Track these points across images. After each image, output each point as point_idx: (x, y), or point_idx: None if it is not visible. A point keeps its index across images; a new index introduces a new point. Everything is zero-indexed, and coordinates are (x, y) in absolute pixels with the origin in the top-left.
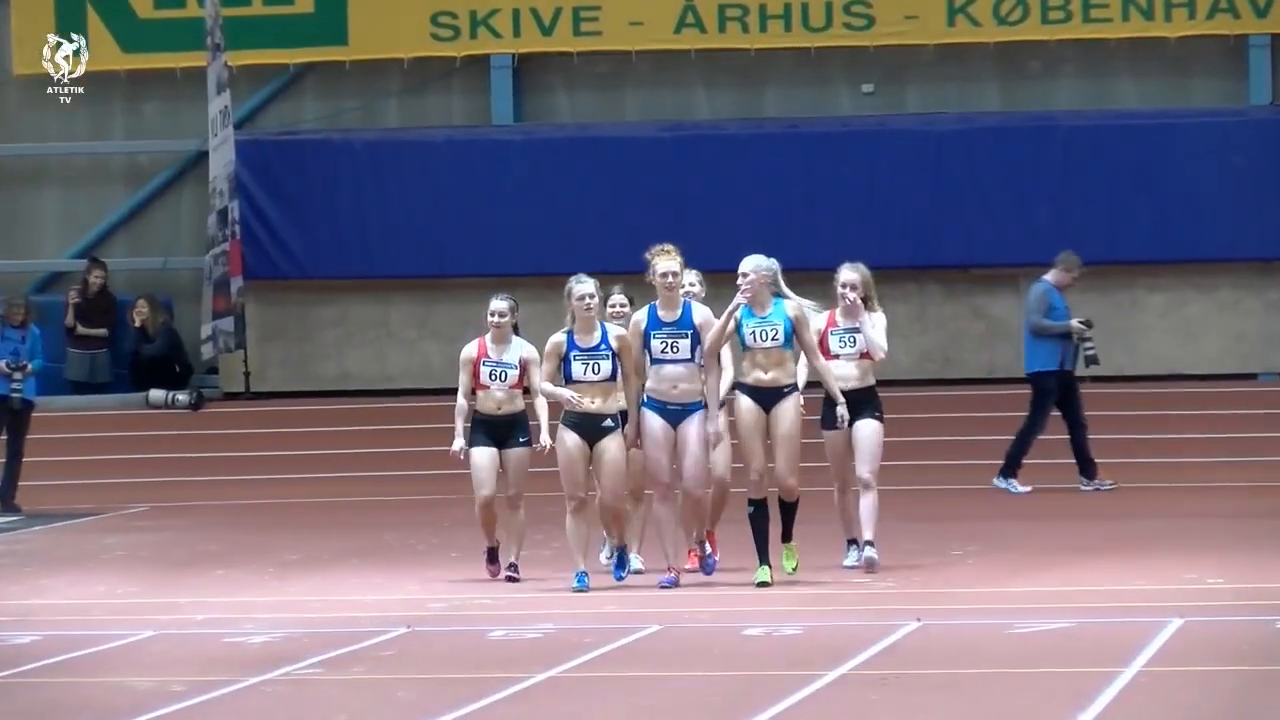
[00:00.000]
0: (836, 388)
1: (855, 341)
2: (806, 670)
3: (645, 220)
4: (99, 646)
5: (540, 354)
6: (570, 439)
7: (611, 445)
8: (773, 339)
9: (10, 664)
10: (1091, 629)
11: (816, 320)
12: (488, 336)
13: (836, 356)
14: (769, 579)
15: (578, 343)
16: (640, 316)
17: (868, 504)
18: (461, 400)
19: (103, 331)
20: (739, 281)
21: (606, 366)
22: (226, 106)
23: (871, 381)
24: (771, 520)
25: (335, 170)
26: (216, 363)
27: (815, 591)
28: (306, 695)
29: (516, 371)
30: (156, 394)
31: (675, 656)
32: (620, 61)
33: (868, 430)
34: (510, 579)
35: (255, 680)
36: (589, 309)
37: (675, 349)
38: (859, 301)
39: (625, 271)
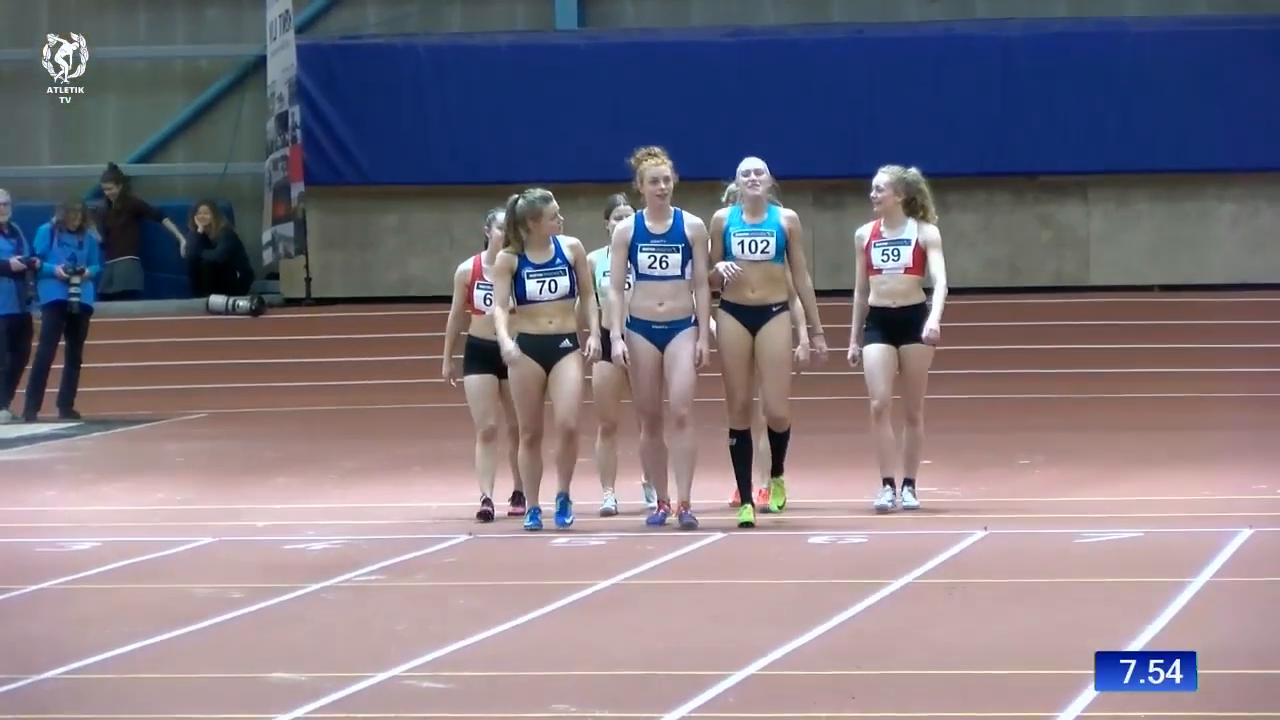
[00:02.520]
0: (816, 315)
1: (899, 254)
2: (871, 579)
3: (709, 127)
4: (158, 553)
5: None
6: (526, 365)
7: (569, 365)
8: (763, 251)
9: (70, 570)
10: (1160, 539)
11: (862, 231)
12: (484, 255)
13: (879, 271)
14: (752, 519)
15: (531, 259)
16: (626, 225)
17: (911, 441)
18: (452, 323)
19: (131, 258)
20: (742, 182)
21: (564, 283)
22: (287, 10)
23: (920, 299)
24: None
25: (397, 76)
26: (277, 268)
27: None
28: (367, 603)
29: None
30: (217, 300)
31: (739, 565)
32: None
33: (916, 358)
34: (514, 513)
35: (315, 587)
36: (559, 226)
37: (665, 264)
38: (894, 204)
39: (688, 178)
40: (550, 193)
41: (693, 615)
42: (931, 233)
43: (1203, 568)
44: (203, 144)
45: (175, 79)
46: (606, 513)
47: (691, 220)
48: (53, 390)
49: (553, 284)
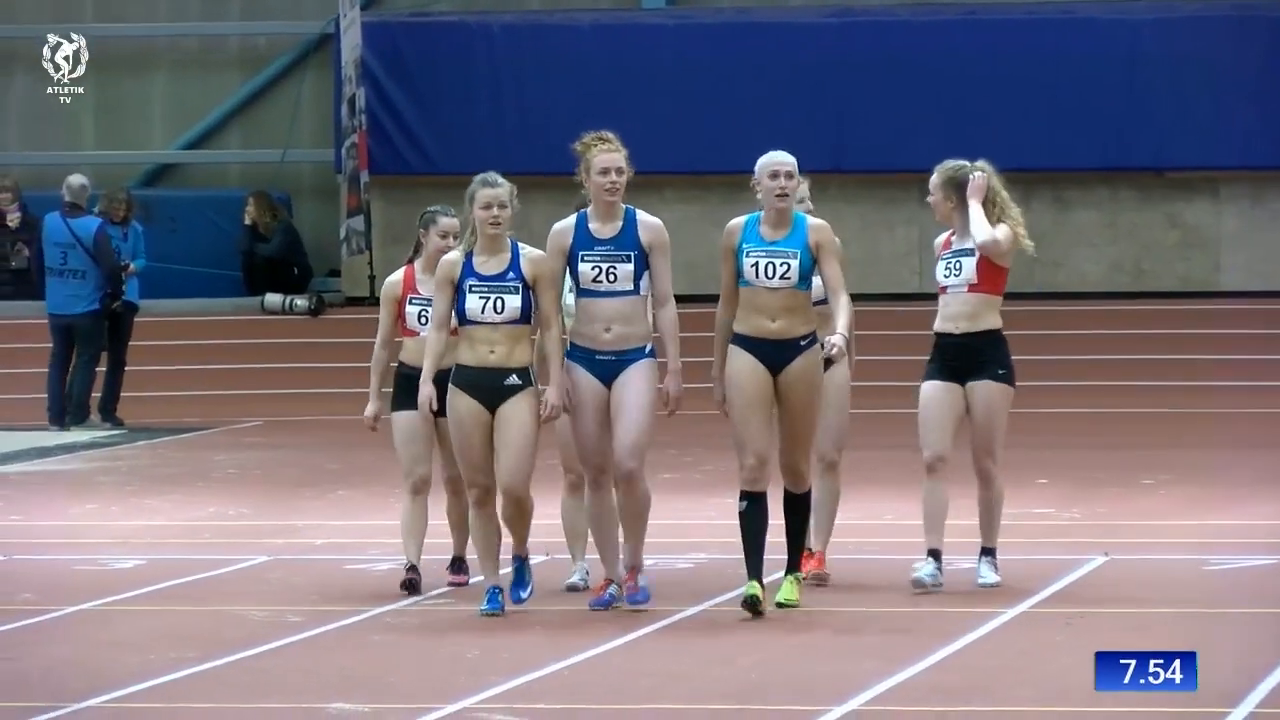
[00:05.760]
0: (845, 321)
1: (961, 268)
2: (982, 608)
3: (806, 115)
4: (208, 573)
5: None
6: (463, 405)
7: (518, 410)
8: (783, 276)
9: (111, 590)
10: None
11: (937, 240)
12: (417, 264)
13: (945, 290)
14: (759, 597)
15: (477, 268)
16: (565, 227)
17: (987, 504)
18: (379, 351)
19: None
20: (770, 184)
21: (514, 303)
22: None
23: (994, 324)
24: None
25: (470, 57)
26: (340, 265)
27: None
28: (435, 628)
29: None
30: (273, 298)
31: (838, 590)
32: None
33: (986, 398)
34: (454, 583)
35: (378, 611)
36: (496, 222)
37: (612, 276)
38: (948, 211)
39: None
40: (500, 180)
41: (788, 645)
42: (1000, 227)
43: None
44: (259, 129)
45: (230, 58)
46: (572, 588)
47: (648, 221)
48: (95, 395)
49: (498, 303)
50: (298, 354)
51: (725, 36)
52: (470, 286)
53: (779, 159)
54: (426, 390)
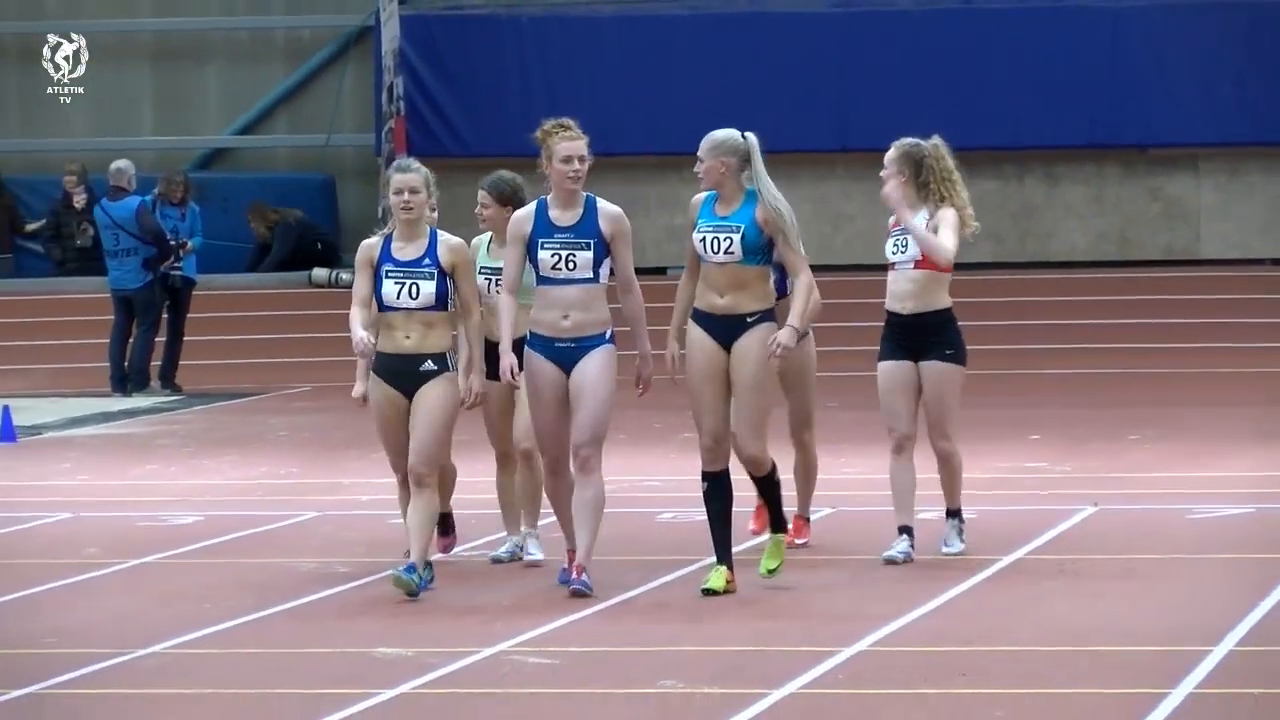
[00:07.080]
0: (801, 311)
1: (908, 245)
2: (979, 556)
3: (814, 99)
4: (261, 528)
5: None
6: (381, 393)
7: (432, 393)
8: (726, 251)
9: (171, 544)
10: (1273, 515)
11: (891, 220)
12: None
13: (893, 266)
14: (721, 586)
15: (394, 253)
16: (524, 215)
17: (947, 473)
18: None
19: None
20: (695, 169)
21: (429, 290)
22: None
23: (942, 304)
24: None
25: (500, 47)
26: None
27: (987, 476)
28: (473, 578)
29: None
30: (319, 273)
31: (847, 540)
32: None
33: (936, 378)
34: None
35: None
36: (408, 207)
37: (571, 264)
38: (895, 186)
39: (794, 150)
40: (416, 165)
41: (801, 591)
42: (945, 214)
43: None
44: (305, 116)
45: (277, 50)
46: (496, 560)
47: (609, 210)
48: (155, 364)
49: (413, 289)
50: (343, 324)
51: (739, 26)
52: (387, 271)
53: (700, 147)
54: (361, 333)
